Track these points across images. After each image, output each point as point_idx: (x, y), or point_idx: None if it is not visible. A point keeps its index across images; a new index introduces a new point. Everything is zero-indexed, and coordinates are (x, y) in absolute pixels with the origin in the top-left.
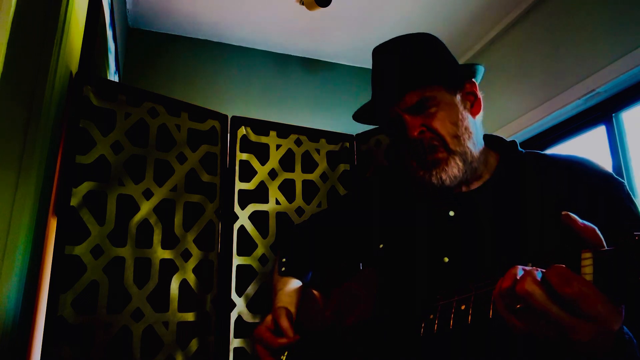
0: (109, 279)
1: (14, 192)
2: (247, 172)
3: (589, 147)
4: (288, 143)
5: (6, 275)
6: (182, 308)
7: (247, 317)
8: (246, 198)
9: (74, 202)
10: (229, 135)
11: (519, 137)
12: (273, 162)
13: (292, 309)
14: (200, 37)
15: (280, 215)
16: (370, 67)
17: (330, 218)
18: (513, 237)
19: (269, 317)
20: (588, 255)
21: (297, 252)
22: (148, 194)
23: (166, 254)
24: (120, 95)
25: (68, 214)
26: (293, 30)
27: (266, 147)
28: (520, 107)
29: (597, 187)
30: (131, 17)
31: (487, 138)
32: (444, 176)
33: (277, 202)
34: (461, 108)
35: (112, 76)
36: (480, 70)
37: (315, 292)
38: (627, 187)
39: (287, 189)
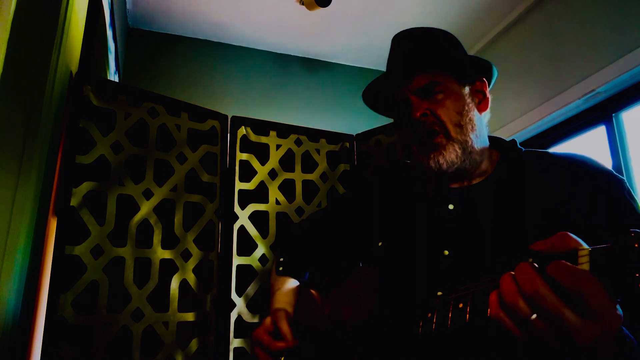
0: (109, 279)
1: (14, 192)
2: (247, 172)
3: (589, 147)
4: (288, 143)
5: (6, 275)
6: (182, 308)
7: (247, 317)
8: (246, 198)
9: (74, 202)
10: (229, 135)
11: (519, 137)
12: (273, 162)
13: (290, 309)
14: (200, 37)
15: (280, 215)
16: (370, 67)
17: (328, 217)
18: (512, 231)
19: (268, 320)
20: (585, 252)
21: (294, 252)
22: (148, 194)
23: (166, 254)
24: (120, 95)
25: (68, 214)
26: (293, 30)
27: (266, 147)
28: (520, 106)
29: (598, 185)
30: (131, 17)
31: (488, 138)
32: (441, 160)
33: (277, 202)
34: (468, 101)
35: (112, 76)
36: (495, 73)
37: (313, 291)
38: (628, 184)
39: (287, 189)
